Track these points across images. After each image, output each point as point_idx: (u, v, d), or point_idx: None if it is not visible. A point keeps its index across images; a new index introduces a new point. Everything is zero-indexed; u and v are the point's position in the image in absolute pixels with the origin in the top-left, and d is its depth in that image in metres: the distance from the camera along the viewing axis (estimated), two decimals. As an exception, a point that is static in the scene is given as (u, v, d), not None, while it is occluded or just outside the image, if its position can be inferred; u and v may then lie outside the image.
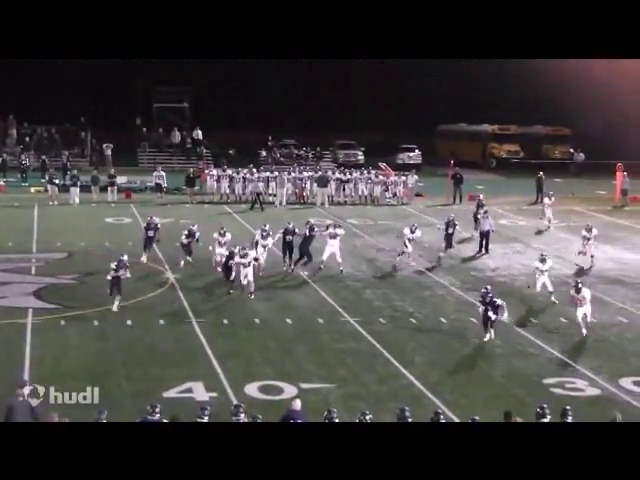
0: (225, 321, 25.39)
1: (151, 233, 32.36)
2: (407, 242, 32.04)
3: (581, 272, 32.40)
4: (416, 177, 50.98)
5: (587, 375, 21.92)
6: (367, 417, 15.24)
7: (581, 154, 64.99)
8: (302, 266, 31.47)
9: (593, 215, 46.41)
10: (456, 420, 18.04)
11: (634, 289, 30.53)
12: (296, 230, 31.94)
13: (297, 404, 16.29)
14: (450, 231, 34.22)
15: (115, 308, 25.69)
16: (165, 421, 15.13)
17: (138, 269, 30.38)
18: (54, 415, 15.15)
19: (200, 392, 19.99)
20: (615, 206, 49.89)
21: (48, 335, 23.76)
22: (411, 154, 63.34)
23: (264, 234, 31.60)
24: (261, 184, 47.24)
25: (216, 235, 30.93)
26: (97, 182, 47.58)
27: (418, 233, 32.42)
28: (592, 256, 33.62)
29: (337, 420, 15.23)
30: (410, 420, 15.36)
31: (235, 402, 18.01)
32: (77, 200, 45.55)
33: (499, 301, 24.18)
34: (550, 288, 28.12)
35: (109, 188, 47.21)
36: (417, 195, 50.60)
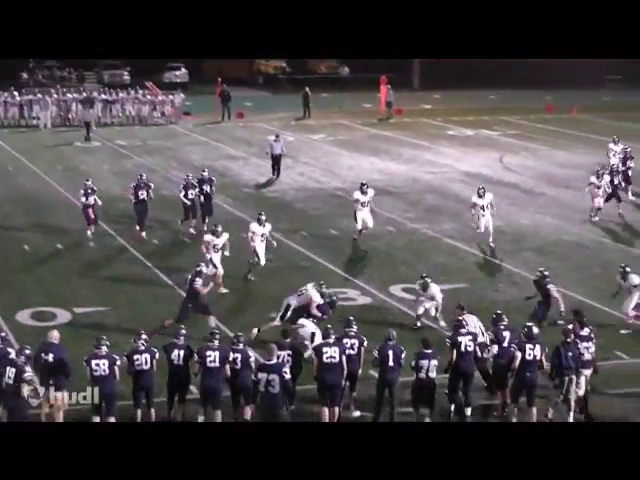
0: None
1: None
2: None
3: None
4: (183, 96, 50.70)
5: (358, 285, 22.47)
6: (142, 337, 15.16)
7: (346, 68, 65.94)
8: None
9: (360, 128, 47.41)
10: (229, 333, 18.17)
11: (400, 199, 31.44)
12: (213, 178, 27.73)
13: (54, 335, 15.34)
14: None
15: None
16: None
17: None
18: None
19: (-31, 323, 19.39)
20: (380, 119, 51.00)
21: None
22: (178, 72, 62.70)
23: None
24: (92, 111, 45.64)
25: (209, 237, 22.11)
26: None
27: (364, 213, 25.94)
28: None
29: (105, 346, 14.92)
30: (183, 338, 15.39)
31: (5, 330, 17.43)
32: None
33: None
34: (490, 229, 25.55)
35: None
36: (185, 114, 50.22)
